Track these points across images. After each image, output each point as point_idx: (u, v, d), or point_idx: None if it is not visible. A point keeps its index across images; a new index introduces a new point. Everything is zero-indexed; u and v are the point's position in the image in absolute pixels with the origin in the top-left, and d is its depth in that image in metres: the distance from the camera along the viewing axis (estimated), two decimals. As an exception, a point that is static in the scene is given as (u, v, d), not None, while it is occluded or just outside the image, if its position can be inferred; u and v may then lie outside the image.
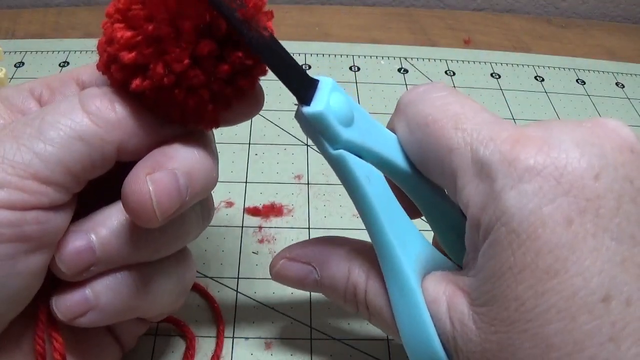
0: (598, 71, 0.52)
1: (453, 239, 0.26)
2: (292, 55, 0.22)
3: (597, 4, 0.62)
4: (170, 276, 0.24)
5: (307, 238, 0.35)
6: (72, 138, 0.20)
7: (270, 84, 0.51)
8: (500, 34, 0.56)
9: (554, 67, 0.52)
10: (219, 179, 0.39)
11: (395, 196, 0.24)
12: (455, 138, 0.22)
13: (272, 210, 0.37)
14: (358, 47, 0.51)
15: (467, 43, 0.54)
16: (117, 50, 0.21)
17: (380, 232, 0.23)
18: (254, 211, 0.37)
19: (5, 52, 0.46)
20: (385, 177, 0.24)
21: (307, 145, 0.41)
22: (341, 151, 0.23)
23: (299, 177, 0.39)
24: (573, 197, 0.19)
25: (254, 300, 0.32)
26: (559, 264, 0.19)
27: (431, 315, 0.22)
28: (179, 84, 0.21)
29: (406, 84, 0.47)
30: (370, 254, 0.25)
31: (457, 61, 0.50)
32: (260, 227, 0.36)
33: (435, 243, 0.28)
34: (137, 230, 0.22)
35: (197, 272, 0.33)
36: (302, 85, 0.22)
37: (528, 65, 0.51)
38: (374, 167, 0.24)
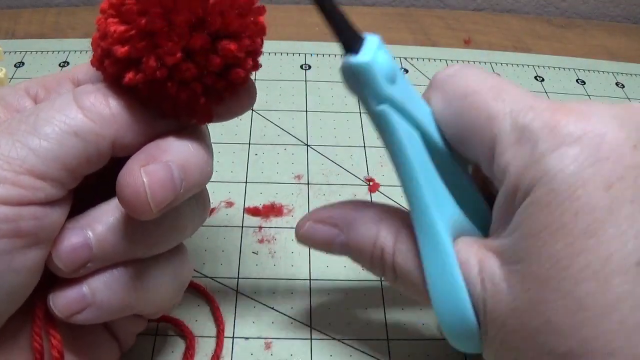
0: (598, 71, 0.52)
1: (470, 214, 0.26)
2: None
3: (597, 4, 0.62)
4: (167, 273, 0.24)
5: (307, 238, 0.35)
6: (67, 133, 0.21)
7: (271, 84, 0.51)
8: (500, 34, 0.56)
9: (554, 67, 0.52)
10: (219, 179, 0.39)
11: None
12: (495, 107, 0.22)
13: (272, 210, 0.37)
14: (358, 47, 0.51)
15: (467, 43, 0.54)
16: (111, 44, 0.21)
17: (417, 190, 0.23)
18: (254, 211, 0.37)
19: (5, 52, 0.46)
20: None
21: (307, 145, 0.41)
22: (385, 107, 0.23)
23: (299, 177, 0.39)
24: (612, 164, 0.20)
25: (254, 300, 0.32)
26: (597, 225, 0.19)
27: (463, 277, 0.23)
28: (172, 77, 0.21)
29: (406, 84, 0.47)
30: (397, 217, 0.25)
31: (457, 61, 0.50)
32: (260, 227, 0.36)
33: None
34: (133, 226, 0.22)
35: (197, 271, 0.33)
36: (351, 36, 0.22)
37: (528, 65, 0.51)
38: (412, 127, 0.24)
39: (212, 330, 0.31)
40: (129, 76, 0.21)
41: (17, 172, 0.20)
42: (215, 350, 0.29)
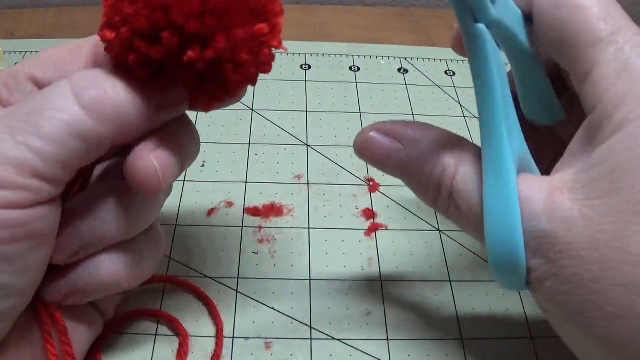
0: (598, 71, 0.52)
1: (537, 106, 0.27)
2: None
3: (598, 4, 0.62)
4: (145, 251, 0.26)
5: (307, 238, 0.35)
6: (70, 136, 0.21)
7: (271, 84, 0.51)
8: (500, 34, 0.55)
9: (554, 67, 0.51)
10: (219, 179, 0.39)
11: None
12: (604, 31, 0.22)
13: (272, 210, 0.37)
14: (358, 47, 0.51)
15: (467, 43, 0.53)
16: (178, 19, 0.20)
17: (494, 115, 0.23)
18: (254, 211, 0.37)
19: (5, 52, 0.46)
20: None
21: (307, 145, 0.41)
22: (482, 27, 0.23)
23: (299, 177, 0.39)
24: None
25: (254, 300, 0.32)
26: None
27: (523, 215, 0.22)
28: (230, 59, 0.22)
29: (406, 84, 0.47)
30: (463, 143, 0.25)
31: (457, 61, 0.50)
32: (260, 227, 0.36)
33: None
34: (118, 211, 0.24)
35: (197, 271, 0.33)
36: None
37: (528, 66, 0.51)
38: (501, 53, 0.24)
39: (211, 330, 0.31)
40: (194, 54, 0.21)
41: (24, 175, 0.20)
42: (215, 350, 0.29)
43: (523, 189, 0.23)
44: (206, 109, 0.24)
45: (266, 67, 0.23)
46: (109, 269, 0.25)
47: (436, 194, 0.25)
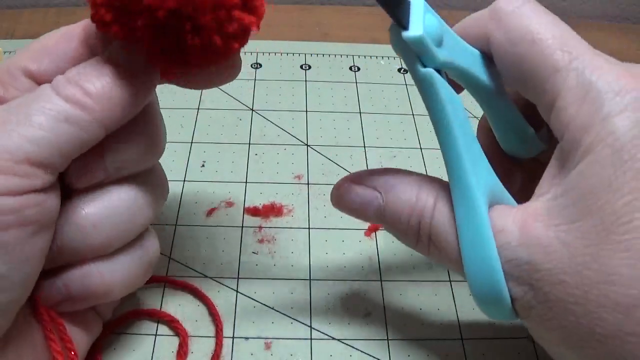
0: (598, 71, 0.52)
1: (512, 137, 0.28)
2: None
3: (597, 4, 0.62)
4: (135, 260, 0.26)
5: (307, 238, 0.35)
6: (59, 121, 0.21)
7: (271, 84, 0.51)
8: (500, 34, 0.55)
9: (554, 67, 0.51)
10: (219, 179, 0.39)
11: None
12: (562, 60, 0.23)
13: (272, 210, 0.37)
14: (358, 47, 0.51)
15: (467, 43, 0.53)
16: None
17: (456, 154, 0.23)
18: (253, 211, 0.37)
19: (5, 52, 0.46)
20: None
21: (307, 145, 0.41)
22: (430, 70, 0.23)
23: (299, 177, 0.39)
24: None
25: (253, 300, 0.32)
26: None
27: (499, 246, 0.23)
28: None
29: (406, 84, 0.47)
30: (436, 183, 0.25)
31: (457, 61, 0.50)
32: (260, 227, 0.36)
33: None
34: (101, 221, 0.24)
35: (197, 271, 0.33)
36: (397, 6, 0.23)
37: (528, 66, 0.51)
38: (454, 92, 0.24)
39: (211, 330, 0.31)
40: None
41: (16, 161, 0.20)
42: (215, 350, 0.29)
43: (496, 221, 0.23)
44: (164, 75, 0.24)
45: (233, 43, 0.22)
46: (97, 279, 0.25)
47: (416, 237, 0.25)
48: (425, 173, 0.40)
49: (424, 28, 0.22)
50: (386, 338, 0.31)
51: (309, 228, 0.36)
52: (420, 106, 0.45)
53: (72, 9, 0.54)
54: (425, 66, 0.23)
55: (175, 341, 0.30)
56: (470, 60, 0.25)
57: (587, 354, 0.21)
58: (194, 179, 0.38)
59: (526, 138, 0.28)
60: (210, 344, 0.30)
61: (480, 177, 0.24)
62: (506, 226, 0.23)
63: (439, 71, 0.23)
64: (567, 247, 0.21)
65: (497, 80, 0.26)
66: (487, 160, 0.25)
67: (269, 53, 0.49)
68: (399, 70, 0.49)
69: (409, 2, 0.23)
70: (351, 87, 0.47)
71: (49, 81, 0.23)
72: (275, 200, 0.37)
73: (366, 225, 0.36)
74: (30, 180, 0.21)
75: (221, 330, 0.30)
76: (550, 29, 0.24)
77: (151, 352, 0.29)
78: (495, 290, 0.23)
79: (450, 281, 0.34)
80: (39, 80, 0.24)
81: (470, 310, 0.32)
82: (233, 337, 0.30)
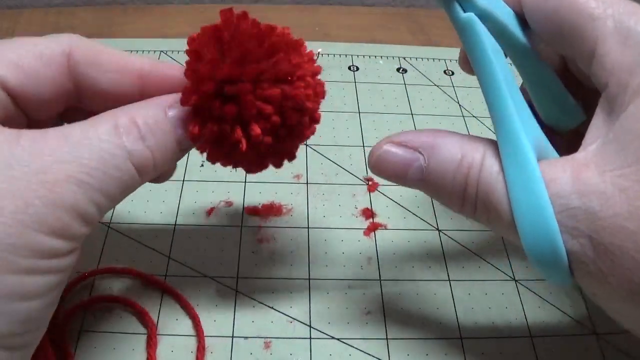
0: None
1: (551, 106, 0.27)
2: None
3: (597, 4, 0.62)
4: None
5: (307, 238, 0.35)
6: (123, 193, 0.23)
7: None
8: (499, 34, 0.55)
9: (553, 67, 0.51)
10: (218, 179, 0.39)
11: None
12: (598, 8, 0.22)
13: (271, 209, 0.37)
14: (357, 47, 0.51)
15: (466, 43, 0.53)
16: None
17: (503, 103, 0.23)
18: (253, 211, 0.37)
19: (5, 52, 0.46)
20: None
21: (306, 145, 0.41)
22: (471, 15, 0.23)
23: (298, 176, 0.39)
24: None
25: (253, 299, 0.32)
26: None
27: (552, 197, 0.22)
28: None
29: (405, 84, 0.47)
30: (481, 140, 0.24)
31: (456, 61, 0.50)
32: (259, 227, 0.36)
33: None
34: None
35: (197, 271, 0.33)
36: None
37: (527, 65, 0.51)
38: (497, 42, 0.24)
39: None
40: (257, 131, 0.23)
41: (85, 227, 0.22)
42: (199, 342, 0.30)
43: (546, 172, 0.22)
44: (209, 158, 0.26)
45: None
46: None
47: (462, 198, 0.24)
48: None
49: None
50: (385, 337, 0.31)
51: (308, 227, 0.36)
52: (418, 106, 0.45)
53: (72, 9, 0.54)
54: (465, 11, 0.23)
55: (177, 342, 0.30)
56: (509, 19, 0.25)
57: None
58: (194, 178, 0.38)
59: (566, 107, 0.27)
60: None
61: (528, 128, 0.23)
62: (557, 176, 0.22)
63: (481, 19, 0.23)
64: (625, 191, 0.20)
65: (533, 44, 0.26)
66: (531, 113, 0.24)
67: (269, 53, 0.49)
68: (398, 70, 0.49)
69: None
70: (350, 87, 0.47)
71: (28, 101, 0.23)
72: (274, 199, 0.37)
73: (365, 224, 0.36)
74: (80, 241, 0.22)
75: (199, 322, 0.30)
76: None
77: (123, 346, 0.29)
78: (551, 246, 0.22)
79: (449, 280, 0.34)
80: (13, 95, 0.23)
81: (469, 310, 0.32)
82: (232, 337, 0.30)
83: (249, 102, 0.23)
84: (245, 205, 0.37)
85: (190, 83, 0.23)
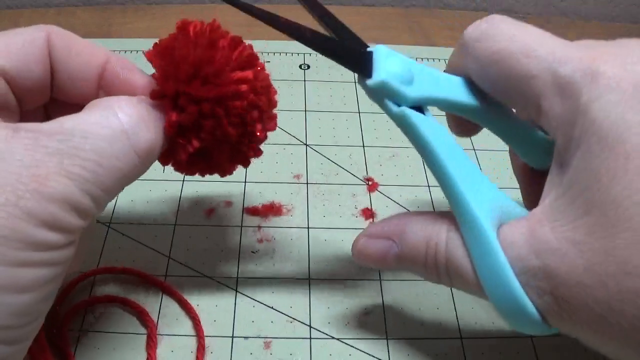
0: (597, 71, 0.52)
1: (532, 151, 0.27)
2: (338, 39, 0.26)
3: (597, 4, 0.62)
4: None
5: (307, 238, 0.35)
6: (122, 185, 0.23)
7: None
8: (499, 34, 0.55)
9: (553, 67, 0.51)
10: (218, 179, 0.39)
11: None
12: (532, 66, 0.23)
13: (271, 209, 0.37)
14: (357, 47, 0.51)
15: (466, 43, 0.53)
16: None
17: (450, 182, 0.24)
18: (253, 211, 0.37)
19: (5, 52, 0.46)
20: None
21: (306, 145, 0.41)
22: (403, 108, 0.24)
23: (298, 176, 0.39)
24: None
25: (253, 299, 0.32)
26: None
27: (511, 260, 0.22)
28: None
29: (406, 84, 0.47)
30: (446, 217, 0.26)
31: (457, 61, 0.50)
32: (259, 227, 0.36)
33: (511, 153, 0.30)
34: None
35: (197, 271, 0.33)
36: (359, 62, 0.25)
37: (527, 65, 0.51)
38: (435, 120, 0.25)
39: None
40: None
41: (82, 219, 0.22)
42: (199, 342, 0.30)
43: (505, 236, 0.23)
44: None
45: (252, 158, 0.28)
46: None
47: (436, 271, 0.26)
48: (424, 172, 0.40)
49: (386, 73, 0.24)
50: (385, 337, 0.31)
51: (308, 227, 0.36)
52: (419, 106, 0.45)
53: (71, 9, 0.54)
54: (399, 106, 0.24)
55: (175, 341, 0.30)
56: (452, 88, 0.26)
57: (632, 344, 0.21)
58: (193, 178, 0.38)
59: (546, 148, 0.27)
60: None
61: (482, 198, 0.24)
62: (516, 238, 0.22)
63: (418, 108, 0.24)
64: (577, 245, 0.21)
65: (493, 101, 0.26)
66: (488, 180, 0.25)
67: (268, 53, 0.49)
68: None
69: (371, 52, 0.25)
70: (350, 87, 0.47)
71: (22, 86, 0.24)
72: (274, 199, 0.37)
73: (365, 224, 0.36)
74: (78, 233, 0.22)
75: (199, 322, 0.31)
76: (512, 42, 0.24)
77: (122, 346, 0.29)
78: (519, 307, 0.22)
79: (449, 280, 0.34)
80: (9, 80, 0.23)
81: (469, 310, 0.32)
82: (232, 337, 0.30)
83: (226, 80, 0.24)
84: (245, 205, 0.37)
85: (162, 74, 0.24)
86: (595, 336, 0.22)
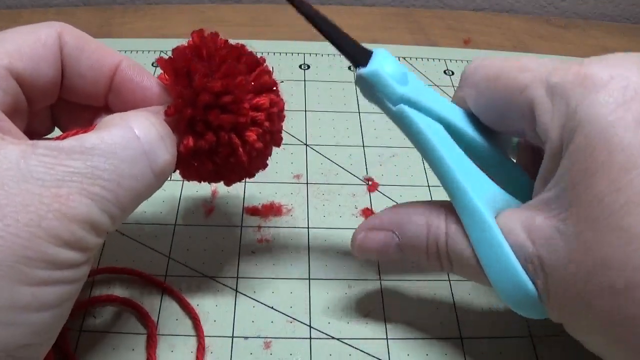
0: (597, 71, 0.52)
1: (515, 189, 0.28)
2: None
3: (597, 4, 0.62)
4: None
5: (307, 238, 0.35)
6: (137, 204, 0.24)
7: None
8: (500, 34, 0.56)
9: (553, 67, 0.51)
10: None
11: None
12: (525, 78, 0.24)
13: (271, 209, 0.37)
14: (357, 47, 0.51)
15: (466, 43, 0.54)
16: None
17: (450, 176, 0.25)
18: (253, 211, 0.37)
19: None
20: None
21: (306, 145, 0.41)
22: (401, 105, 0.25)
23: (298, 176, 0.39)
24: (639, 103, 0.21)
25: (253, 299, 0.32)
26: (631, 162, 0.20)
27: (511, 246, 0.24)
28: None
29: (406, 84, 0.47)
30: (442, 206, 0.27)
31: (457, 61, 0.50)
32: (259, 227, 0.36)
33: None
34: None
35: (197, 271, 0.33)
36: (357, 52, 0.26)
37: (527, 65, 0.51)
38: (431, 119, 0.26)
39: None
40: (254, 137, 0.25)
41: (99, 236, 0.22)
42: (199, 342, 0.30)
43: (503, 224, 0.24)
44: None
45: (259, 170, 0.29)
46: None
47: (438, 260, 0.26)
48: (424, 172, 0.40)
49: (381, 66, 0.25)
50: (385, 337, 0.31)
51: (308, 227, 0.36)
52: (419, 106, 0.45)
53: (71, 9, 0.54)
54: (396, 104, 0.25)
55: (175, 340, 0.30)
56: (450, 110, 0.27)
57: (610, 338, 0.22)
58: (194, 178, 0.38)
59: (522, 185, 0.28)
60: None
61: (481, 188, 0.25)
62: (513, 227, 0.24)
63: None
64: (564, 235, 0.22)
65: (482, 132, 0.28)
66: (483, 173, 0.26)
67: (268, 53, 0.49)
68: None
69: (372, 51, 0.26)
70: (350, 87, 0.47)
71: (32, 86, 0.24)
72: (274, 199, 0.37)
73: (365, 224, 0.36)
74: (94, 251, 0.22)
75: (198, 321, 0.30)
76: (506, 62, 0.25)
77: (125, 344, 0.29)
78: (522, 290, 0.24)
79: (449, 280, 0.34)
80: (21, 80, 0.23)
81: (469, 310, 0.32)
82: (232, 337, 0.30)
83: (244, 109, 0.24)
84: (245, 205, 0.37)
85: (180, 98, 0.24)
86: (578, 325, 0.23)
